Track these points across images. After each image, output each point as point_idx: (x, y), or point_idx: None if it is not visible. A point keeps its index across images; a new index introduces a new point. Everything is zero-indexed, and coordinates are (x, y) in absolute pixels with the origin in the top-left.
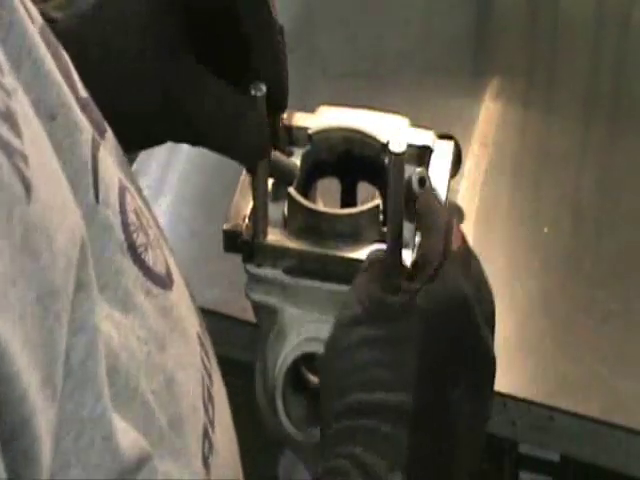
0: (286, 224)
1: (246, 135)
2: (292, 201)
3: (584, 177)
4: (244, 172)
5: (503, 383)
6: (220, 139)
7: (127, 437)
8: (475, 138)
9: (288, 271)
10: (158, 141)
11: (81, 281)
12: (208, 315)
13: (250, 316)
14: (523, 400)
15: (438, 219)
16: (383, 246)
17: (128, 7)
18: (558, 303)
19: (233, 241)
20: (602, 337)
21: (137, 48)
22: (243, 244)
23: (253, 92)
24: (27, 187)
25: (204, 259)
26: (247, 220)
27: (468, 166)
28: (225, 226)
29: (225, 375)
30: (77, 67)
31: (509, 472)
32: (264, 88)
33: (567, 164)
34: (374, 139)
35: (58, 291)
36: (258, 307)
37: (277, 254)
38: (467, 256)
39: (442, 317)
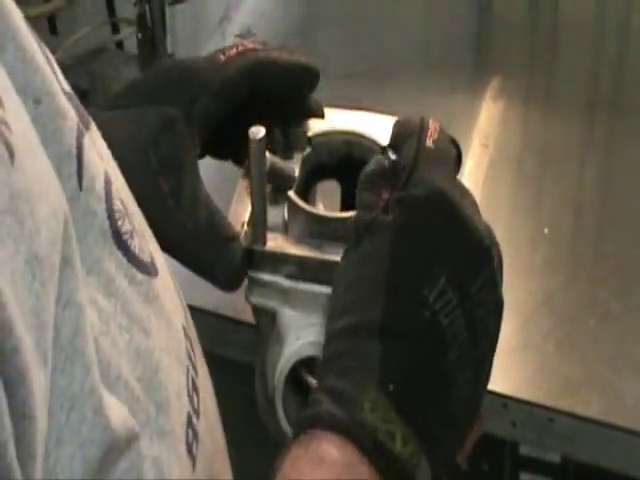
0: (286, 228)
1: (225, 264)
2: (292, 205)
3: (585, 176)
4: (242, 177)
5: (503, 384)
6: (199, 263)
7: (117, 412)
8: (476, 138)
9: (288, 276)
10: None
11: (66, 257)
12: (209, 316)
13: (251, 318)
14: (524, 401)
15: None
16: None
17: (153, 115)
18: (559, 303)
19: None
20: (603, 338)
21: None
22: (242, 252)
23: (252, 135)
24: (10, 152)
25: None
26: (245, 227)
27: (469, 166)
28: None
29: (225, 376)
30: None
31: (509, 473)
32: (262, 131)
33: (568, 163)
34: (374, 142)
35: (43, 259)
36: (258, 310)
37: (276, 260)
38: (444, 149)
39: (413, 220)
